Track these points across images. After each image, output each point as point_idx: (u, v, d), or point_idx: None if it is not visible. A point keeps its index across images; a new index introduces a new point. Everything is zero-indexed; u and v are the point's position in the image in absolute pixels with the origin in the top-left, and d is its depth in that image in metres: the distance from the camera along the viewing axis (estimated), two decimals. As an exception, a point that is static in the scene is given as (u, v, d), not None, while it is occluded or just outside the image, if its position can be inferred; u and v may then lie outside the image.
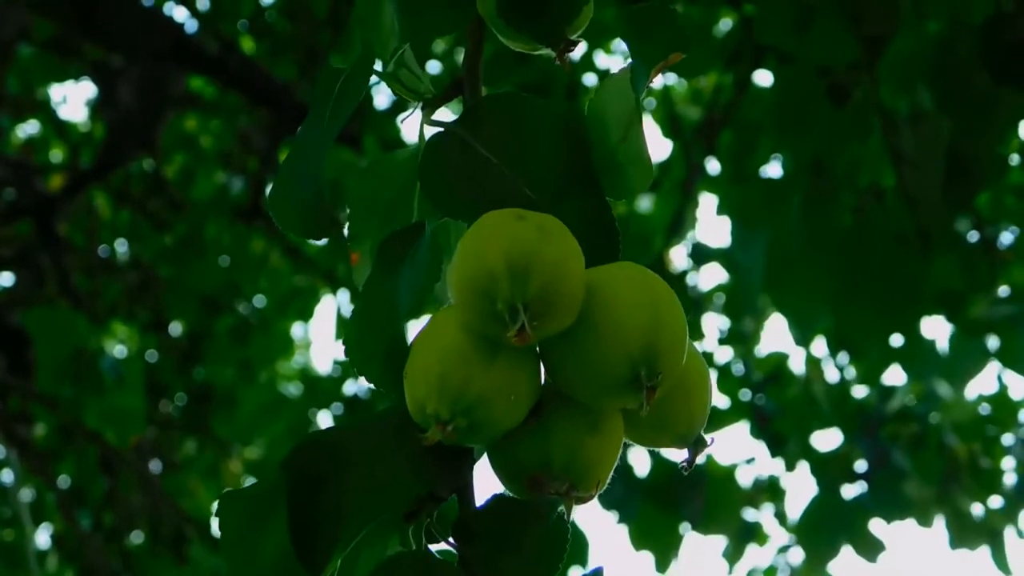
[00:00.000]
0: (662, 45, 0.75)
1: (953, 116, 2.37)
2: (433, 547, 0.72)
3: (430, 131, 0.81)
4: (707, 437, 0.76)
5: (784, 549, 4.29)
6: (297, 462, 0.69)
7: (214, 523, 0.72)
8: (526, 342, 0.67)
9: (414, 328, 0.74)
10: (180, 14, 4.71)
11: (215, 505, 0.70)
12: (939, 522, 3.83)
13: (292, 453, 0.69)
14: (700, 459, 0.77)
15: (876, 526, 3.84)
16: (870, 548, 3.79)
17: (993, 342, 3.72)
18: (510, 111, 0.80)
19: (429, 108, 0.85)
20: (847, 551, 3.81)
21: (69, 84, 4.94)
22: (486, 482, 0.74)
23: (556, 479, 0.71)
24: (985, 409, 4.06)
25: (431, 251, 0.72)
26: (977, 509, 3.86)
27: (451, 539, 0.71)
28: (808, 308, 2.83)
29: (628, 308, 0.70)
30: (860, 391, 4.13)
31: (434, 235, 0.74)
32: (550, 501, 0.71)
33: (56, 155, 5.13)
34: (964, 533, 3.75)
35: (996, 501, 3.87)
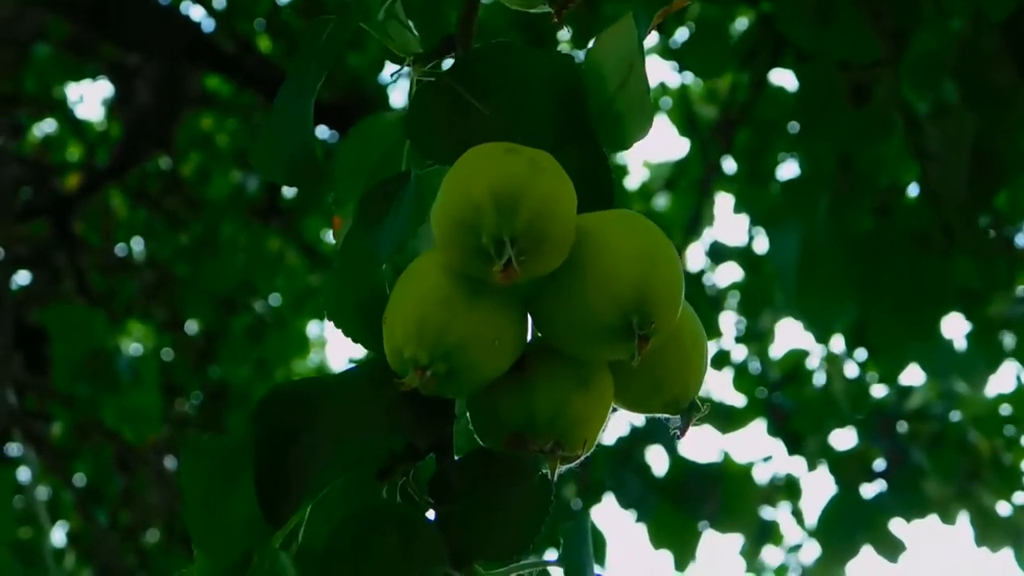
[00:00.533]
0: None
1: (977, 111, 2.34)
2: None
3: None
4: (700, 403, 0.73)
5: (795, 548, 4.25)
6: (267, 412, 0.66)
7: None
8: (512, 279, 0.64)
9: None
10: (196, 13, 4.71)
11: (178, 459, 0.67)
12: (961, 520, 3.80)
13: (262, 403, 0.66)
14: (692, 426, 0.74)
15: (896, 525, 3.81)
16: (891, 548, 3.75)
17: (1010, 341, 3.69)
18: (503, 62, 0.77)
19: (419, 64, 0.83)
20: (866, 551, 3.78)
21: (86, 83, 4.95)
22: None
23: (540, 436, 0.68)
24: (1005, 409, 4.02)
25: (416, 194, 0.70)
26: (1004, 508, 3.82)
27: (428, 498, 0.68)
28: (831, 306, 2.81)
29: (621, 253, 0.67)
30: (878, 389, 4.10)
31: (419, 181, 0.71)
32: (534, 458, 0.68)
33: (72, 154, 5.13)
34: (989, 530, 3.71)
35: (1020, 498, 3.83)
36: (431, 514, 0.68)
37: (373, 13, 0.79)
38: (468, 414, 0.71)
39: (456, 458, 0.69)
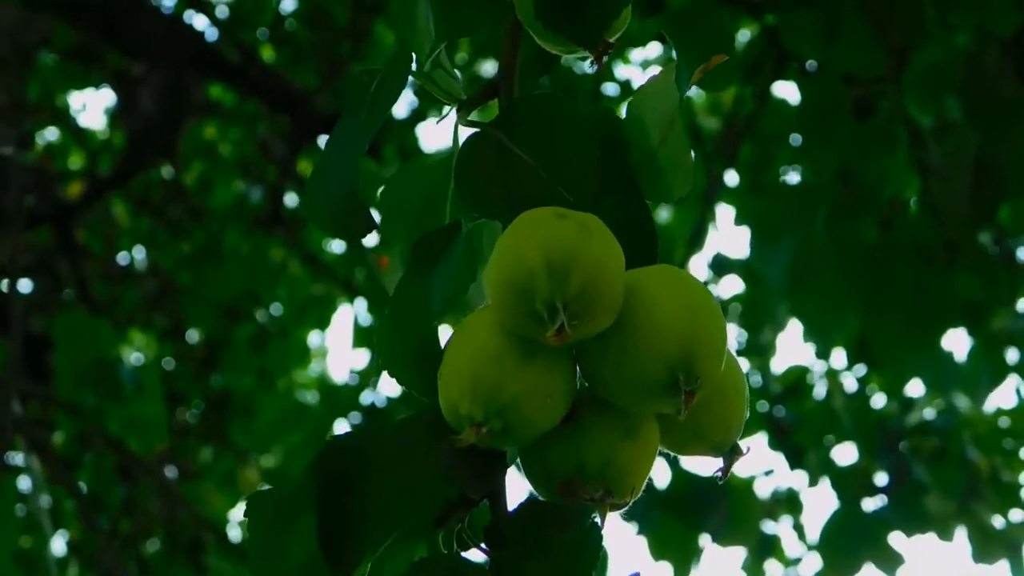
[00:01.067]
0: (705, 46, 0.74)
1: (981, 126, 2.36)
2: (465, 555, 0.70)
3: (465, 133, 0.80)
4: (742, 446, 0.75)
5: (795, 562, 4.26)
6: (326, 463, 0.68)
7: (231, 530, 0.71)
8: (564, 342, 0.66)
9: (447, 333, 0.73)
10: (200, 22, 4.72)
11: (241, 507, 0.69)
12: (959, 536, 3.81)
13: (320, 454, 0.68)
14: (733, 468, 0.76)
15: (895, 539, 3.82)
16: (890, 561, 3.76)
17: (1013, 355, 3.71)
18: (547, 112, 0.79)
19: (464, 110, 0.84)
20: (866, 566, 3.79)
21: (89, 92, 4.95)
22: (519, 489, 0.73)
23: (590, 484, 0.70)
24: (1005, 422, 4.04)
25: (466, 250, 0.71)
26: (998, 522, 3.83)
27: (482, 544, 0.70)
28: (829, 319, 2.83)
29: (667, 310, 0.69)
30: (880, 403, 4.12)
31: (470, 235, 0.73)
32: (583, 506, 0.69)
33: (75, 162, 5.14)
34: (987, 546, 3.73)
35: (1018, 515, 3.85)
36: (481, 557, 0.70)
37: (420, 63, 0.81)
38: (520, 462, 0.72)
39: (510, 508, 0.71)
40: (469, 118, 0.84)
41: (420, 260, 0.75)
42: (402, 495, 0.68)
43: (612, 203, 0.75)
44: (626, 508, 0.72)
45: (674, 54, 0.75)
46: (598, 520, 0.70)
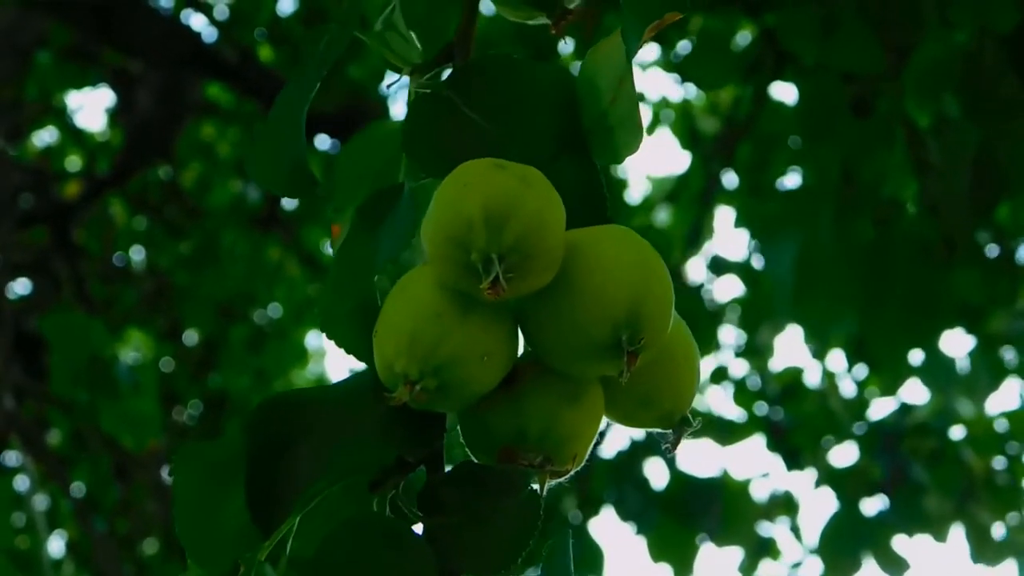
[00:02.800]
0: (657, 3, 0.72)
1: (980, 124, 2.34)
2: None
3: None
4: (692, 418, 0.73)
5: (797, 565, 4.24)
6: (259, 422, 0.66)
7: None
8: (500, 297, 0.64)
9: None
10: (198, 22, 4.71)
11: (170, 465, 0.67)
12: (956, 536, 3.78)
13: (255, 412, 0.66)
14: (684, 440, 0.73)
15: (899, 542, 3.80)
16: (894, 565, 3.74)
17: (1011, 357, 3.69)
18: (500, 73, 0.77)
19: (417, 74, 0.82)
20: (868, 567, 3.77)
21: (86, 91, 4.94)
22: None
23: (530, 451, 0.68)
24: (1003, 425, 4.01)
25: (409, 207, 0.69)
26: (999, 529, 3.80)
27: (417, 510, 0.68)
28: (829, 318, 2.81)
29: (612, 269, 0.67)
30: (878, 405, 4.10)
31: (413, 192, 0.71)
32: (523, 471, 0.67)
33: (73, 162, 5.13)
34: (984, 547, 3.70)
35: (1016, 518, 3.82)
36: (419, 527, 0.68)
37: (371, 22, 0.79)
38: (459, 428, 0.70)
39: (445, 472, 0.69)
40: (423, 81, 0.82)
41: (364, 220, 0.73)
42: (336, 457, 0.66)
43: (564, 164, 0.73)
44: (567, 476, 0.69)
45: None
46: (537, 488, 0.68)
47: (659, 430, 0.72)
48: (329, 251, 4.95)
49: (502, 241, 0.64)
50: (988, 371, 3.65)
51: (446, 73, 0.83)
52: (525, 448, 0.68)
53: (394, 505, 0.68)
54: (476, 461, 0.69)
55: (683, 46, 3.54)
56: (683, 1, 0.73)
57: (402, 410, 0.67)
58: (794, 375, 4.25)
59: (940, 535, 3.71)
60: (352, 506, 0.70)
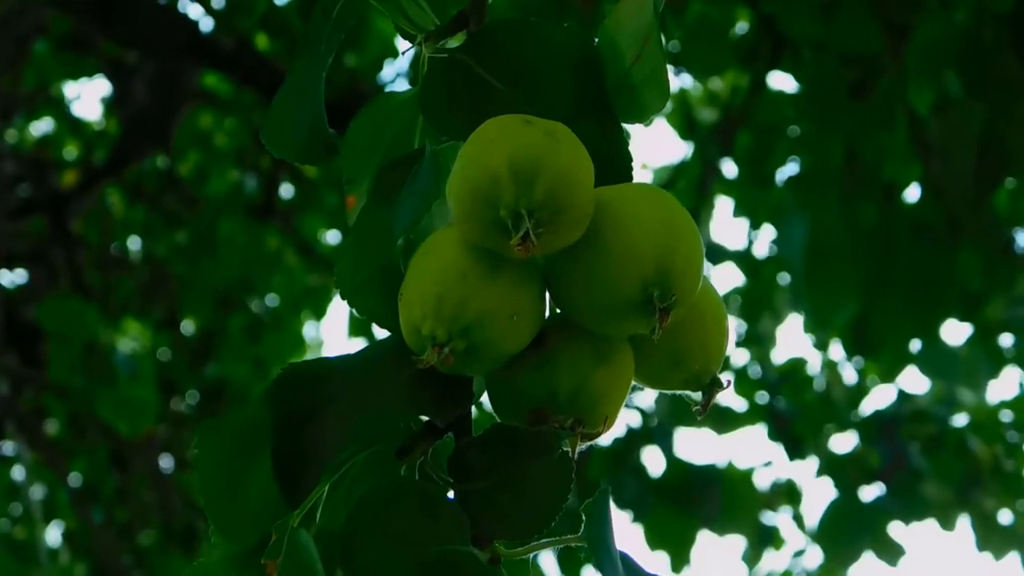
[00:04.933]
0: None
1: (982, 102, 2.34)
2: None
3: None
4: (723, 378, 0.72)
5: (800, 553, 4.24)
6: (283, 391, 0.65)
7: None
8: (530, 254, 0.63)
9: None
10: (195, 11, 4.69)
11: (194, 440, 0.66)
12: (963, 525, 3.78)
13: (277, 382, 0.65)
14: (713, 400, 0.72)
15: (896, 529, 3.80)
16: (890, 552, 3.74)
17: (1009, 342, 3.68)
18: (517, 36, 0.75)
19: (432, 40, 0.81)
20: (866, 555, 3.76)
21: (83, 81, 4.92)
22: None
23: (561, 412, 0.67)
24: (1008, 415, 4.01)
25: (431, 170, 0.68)
26: (1006, 516, 3.80)
27: (447, 476, 0.67)
28: (835, 299, 2.80)
29: (641, 225, 0.65)
30: (878, 393, 4.09)
31: (435, 155, 0.70)
32: (554, 433, 0.66)
33: (70, 152, 5.12)
34: (990, 536, 3.70)
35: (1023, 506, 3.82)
36: (451, 493, 0.67)
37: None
38: (487, 391, 0.69)
39: (475, 436, 0.68)
40: (438, 47, 0.80)
41: (383, 187, 0.72)
42: (363, 425, 0.64)
43: (586, 125, 0.72)
44: (598, 438, 0.68)
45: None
46: (569, 451, 0.67)
47: (688, 392, 0.71)
48: (327, 241, 4.96)
49: (532, 196, 0.63)
50: (987, 359, 3.64)
51: (460, 39, 0.82)
52: (556, 409, 0.67)
53: (423, 471, 0.67)
54: (505, 424, 0.68)
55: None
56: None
57: (428, 374, 0.66)
58: (795, 365, 4.24)
59: (946, 523, 3.71)
60: (374, 476, 0.69)
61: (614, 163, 0.71)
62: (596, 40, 0.76)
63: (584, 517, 0.65)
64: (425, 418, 0.68)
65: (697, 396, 0.72)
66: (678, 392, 0.72)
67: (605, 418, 0.68)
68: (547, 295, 0.69)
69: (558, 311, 0.70)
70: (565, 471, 0.66)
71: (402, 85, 4.47)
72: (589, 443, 0.69)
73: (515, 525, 0.65)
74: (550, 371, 0.67)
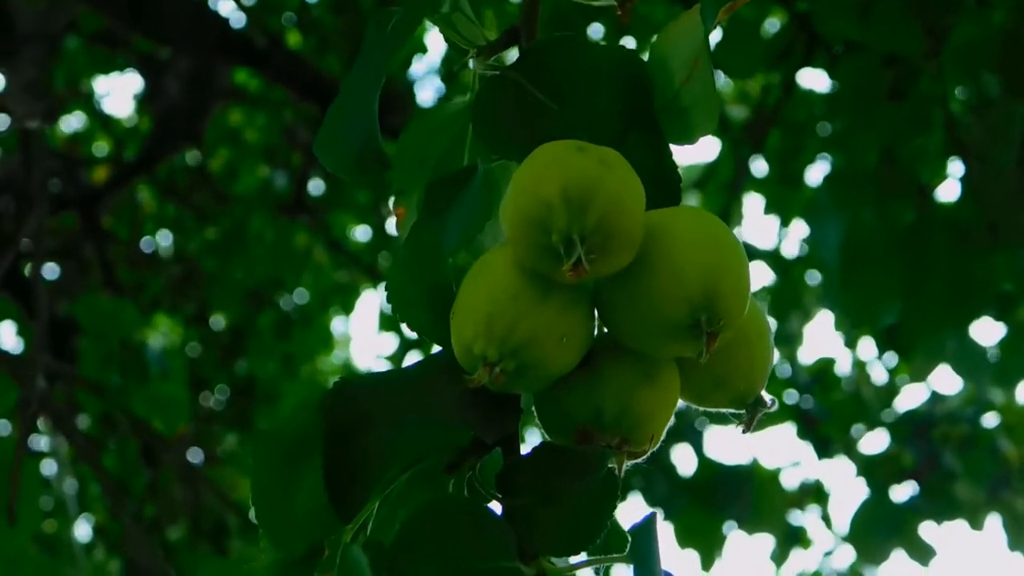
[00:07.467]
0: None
1: (1022, 102, 2.32)
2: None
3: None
4: (767, 398, 0.72)
5: (829, 554, 4.23)
6: (335, 405, 0.66)
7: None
8: (581, 278, 0.64)
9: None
10: (226, 8, 4.71)
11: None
12: (991, 525, 3.77)
13: (330, 396, 0.66)
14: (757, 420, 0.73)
15: (926, 529, 3.79)
16: (922, 552, 3.73)
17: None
18: (568, 54, 0.76)
19: (483, 55, 0.82)
20: (896, 555, 3.76)
21: (114, 76, 4.95)
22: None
23: (607, 431, 0.68)
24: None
25: (483, 189, 0.69)
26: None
27: (494, 492, 0.68)
28: (874, 303, 2.79)
29: (689, 249, 0.66)
30: (909, 393, 4.08)
31: (487, 174, 0.70)
32: (600, 451, 0.67)
33: (101, 148, 5.14)
34: (1021, 536, 3.68)
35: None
36: (498, 508, 0.68)
37: (440, 5, 0.78)
38: (535, 409, 0.70)
39: (523, 453, 0.68)
40: (488, 63, 0.81)
41: (434, 203, 0.73)
42: (412, 440, 0.66)
43: (634, 144, 0.73)
44: (644, 457, 0.69)
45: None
46: (615, 469, 0.68)
47: (733, 411, 0.72)
48: (356, 238, 4.97)
49: (584, 222, 0.64)
50: (1019, 359, 3.62)
51: (511, 55, 0.82)
52: (602, 429, 0.68)
53: (471, 486, 0.68)
54: (552, 442, 0.69)
55: (714, 34, 3.51)
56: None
57: (478, 392, 0.67)
58: (825, 364, 4.23)
59: (976, 523, 3.70)
60: (421, 491, 0.70)
61: (662, 183, 0.72)
62: (646, 60, 0.76)
63: (631, 537, 0.66)
64: (474, 434, 0.69)
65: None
66: (723, 410, 0.72)
67: (651, 437, 0.69)
68: (595, 316, 0.69)
69: (606, 331, 0.70)
70: (611, 489, 0.67)
71: (434, 83, 4.47)
72: (635, 461, 0.69)
73: (561, 541, 0.66)
74: (597, 391, 0.69)
